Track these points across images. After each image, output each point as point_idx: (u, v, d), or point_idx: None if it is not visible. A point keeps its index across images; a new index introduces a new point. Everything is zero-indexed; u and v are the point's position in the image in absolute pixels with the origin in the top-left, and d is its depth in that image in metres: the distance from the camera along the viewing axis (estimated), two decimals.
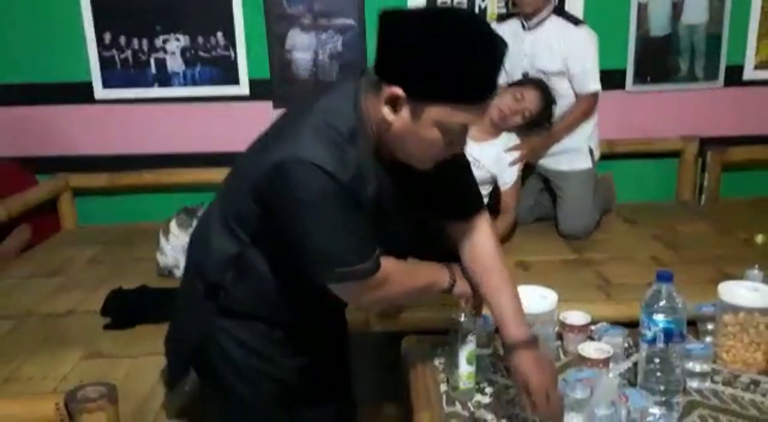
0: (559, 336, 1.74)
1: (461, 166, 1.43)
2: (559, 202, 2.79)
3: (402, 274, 1.33)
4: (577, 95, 2.66)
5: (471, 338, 1.51)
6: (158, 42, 3.03)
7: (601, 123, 3.07)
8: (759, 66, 3.11)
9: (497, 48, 1.11)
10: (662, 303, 1.37)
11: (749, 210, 3.03)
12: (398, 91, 1.11)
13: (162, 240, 2.45)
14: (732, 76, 3.12)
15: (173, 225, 2.41)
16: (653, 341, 1.37)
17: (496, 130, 2.61)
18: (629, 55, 3.06)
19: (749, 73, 3.12)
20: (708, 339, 1.66)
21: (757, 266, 1.72)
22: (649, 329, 1.38)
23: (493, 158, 2.58)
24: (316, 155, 1.13)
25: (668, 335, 1.36)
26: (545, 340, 1.63)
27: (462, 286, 1.46)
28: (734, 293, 1.57)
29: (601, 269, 2.41)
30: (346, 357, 1.67)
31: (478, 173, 2.51)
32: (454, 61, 1.07)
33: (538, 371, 1.29)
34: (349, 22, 3.00)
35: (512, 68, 2.70)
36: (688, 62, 3.08)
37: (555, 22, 2.62)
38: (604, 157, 3.13)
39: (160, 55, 3.04)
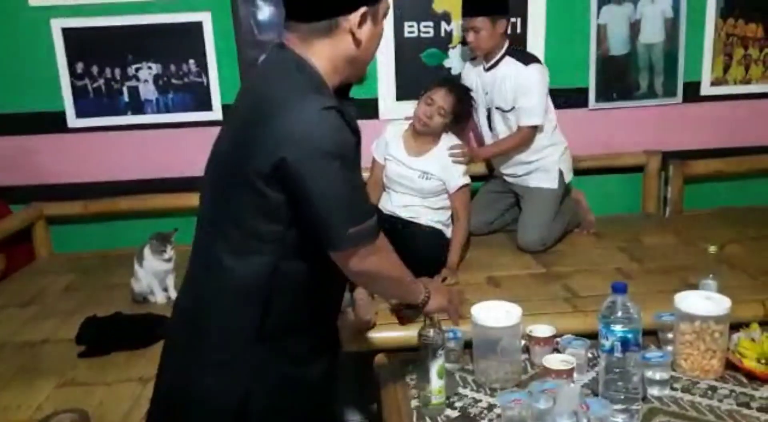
0: (526, 349, 1.80)
1: None
2: (521, 215, 2.91)
3: (391, 254, 1.38)
4: (518, 127, 2.81)
5: (441, 353, 1.56)
6: (131, 70, 3.07)
7: (567, 138, 3.17)
8: (714, 82, 3.23)
9: None
10: (618, 313, 1.43)
11: (712, 220, 3.12)
12: (363, 8, 1.26)
13: (136, 266, 2.47)
14: (690, 92, 3.22)
15: (146, 251, 2.44)
16: (611, 351, 1.43)
17: (429, 137, 2.67)
18: (590, 74, 3.16)
19: (706, 89, 3.23)
20: (668, 347, 1.73)
21: (711, 275, 1.79)
22: (607, 339, 1.43)
23: (438, 166, 2.65)
24: (321, 101, 1.20)
25: (625, 344, 1.41)
26: (512, 353, 1.69)
27: (434, 305, 1.51)
28: (689, 302, 1.64)
29: (567, 282, 2.47)
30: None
31: (430, 185, 2.65)
32: None
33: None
34: None
35: (477, 104, 2.89)
36: (647, 79, 3.18)
37: (508, 63, 2.78)
38: None
39: (133, 82, 3.08)
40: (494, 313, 1.68)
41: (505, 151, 2.88)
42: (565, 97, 3.12)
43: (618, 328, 1.42)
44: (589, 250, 2.82)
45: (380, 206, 2.74)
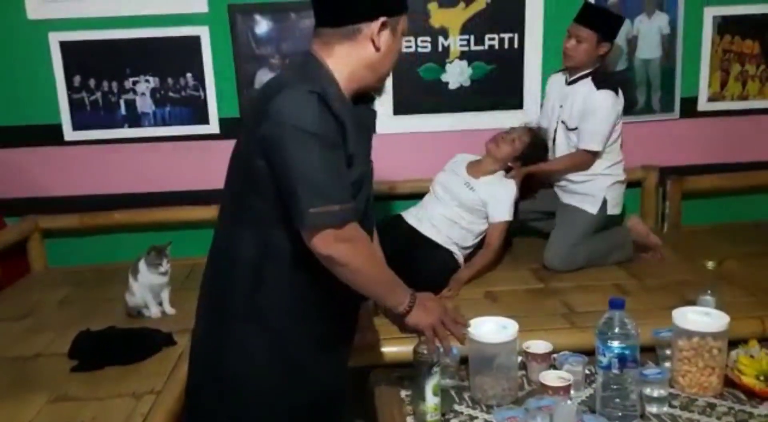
0: (523, 366, 1.78)
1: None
2: (553, 231, 2.85)
3: (371, 252, 1.40)
4: (576, 148, 2.81)
5: (436, 369, 1.54)
6: (128, 83, 3.06)
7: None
8: (712, 98, 3.23)
9: None
10: (616, 330, 1.42)
11: (710, 236, 3.12)
12: (383, 17, 1.36)
13: (131, 280, 2.45)
14: (687, 107, 3.23)
15: (142, 264, 2.42)
16: (608, 367, 1.42)
17: (491, 162, 2.77)
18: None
19: (703, 105, 3.24)
20: (666, 364, 1.71)
21: (709, 291, 1.78)
22: (604, 356, 1.42)
23: (487, 190, 2.70)
24: (305, 86, 1.30)
25: (622, 361, 1.40)
26: (509, 369, 1.67)
27: (415, 319, 1.47)
28: (687, 318, 1.63)
29: (565, 298, 2.46)
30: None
31: (469, 198, 2.68)
32: None
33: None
34: None
35: (547, 114, 2.95)
36: (645, 95, 3.19)
37: (585, 83, 2.78)
38: None
39: (130, 96, 3.08)
40: (490, 329, 1.67)
41: (556, 172, 2.87)
42: None
43: (615, 344, 1.41)
44: (588, 266, 2.80)
45: (408, 213, 2.78)
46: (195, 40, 3.03)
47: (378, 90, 1.49)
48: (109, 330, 2.24)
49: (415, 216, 2.75)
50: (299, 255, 1.35)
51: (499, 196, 2.68)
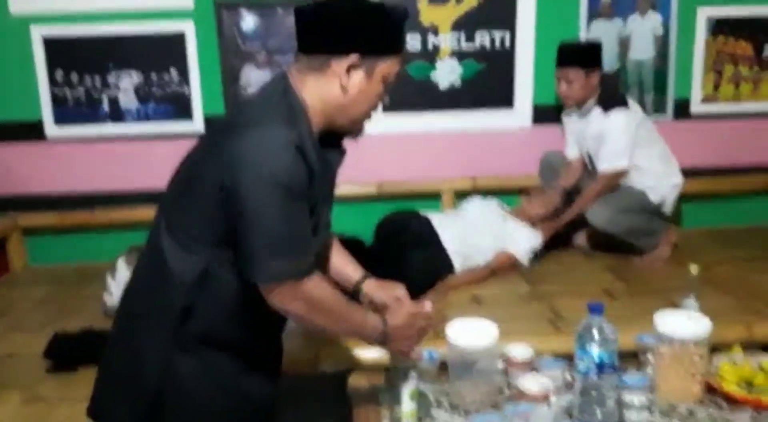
0: (505, 370, 1.74)
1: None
2: (605, 196, 2.81)
3: (330, 305, 1.31)
4: (599, 173, 2.82)
5: (413, 374, 1.50)
6: (111, 79, 3.02)
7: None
8: (705, 99, 3.19)
9: (402, 7, 1.33)
10: (594, 334, 1.37)
11: (702, 240, 3.07)
12: (354, 57, 1.25)
13: (109, 279, 2.40)
14: (680, 109, 3.19)
15: (120, 263, 2.37)
16: (586, 373, 1.37)
17: (525, 216, 2.87)
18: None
19: (696, 107, 3.20)
20: (649, 369, 1.67)
21: (692, 295, 1.73)
22: (582, 361, 1.38)
23: (515, 227, 2.80)
24: (283, 133, 1.20)
25: (600, 366, 1.36)
26: (489, 374, 1.63)
27: (395, 349, 1.43)
28: (669, 324, 1.58)
29: (552, 302, 2.41)
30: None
31: (500, 226, 2.75)
32: (387, 18, 1.27)
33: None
34: None
35: (572, 147, 3.01)
36: (637, 96, 3.14)
37: (596, 112, 2.81)
38: None
39: (113, 91, 3.03)
40: (470, 333, 1.62)
41: (585, 207, 2.81)
42: (555, 112, 3.09)
43: (593, 350, 1.37)
44: (577, 270, 2.76)
45: (435, 216, 2.79)
46: (179, 36, 2.98)
47: (353, 132, 1.37)
48: (85, 331, 2.19)
49: (440, 222, 2.75)
50: (240, 293, 1.29)
51: (523, 238, 2.77)
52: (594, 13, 3.04)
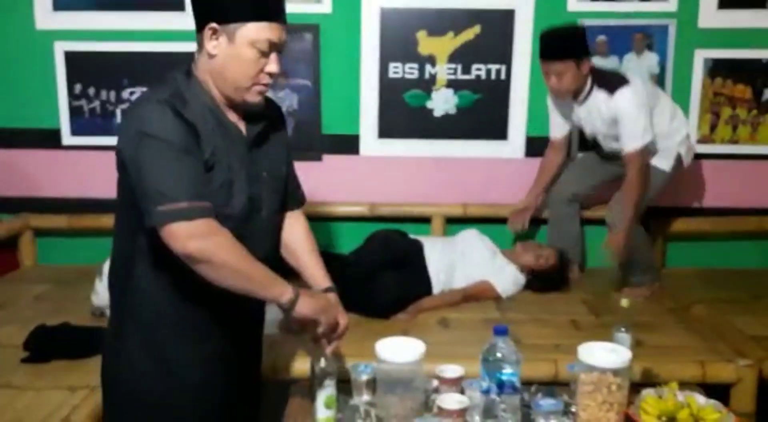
0: (436, 388, 1.79)
1: (291, 162, 1.72)
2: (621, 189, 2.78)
3: (234, 246, 1.39)
4: (624, 157, 2.71)
5: (329, 382, 1.57)
6: (125, 94, 3.21)
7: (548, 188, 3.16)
8: (701, 140, 3.19)
9: None
10: (498, 355, 1.43)
11: (689, 280, 3.05)
12: (213, 24, 1.41)
13: (96, 281, 2.55)
14: None
15: (105, 266, 2.50)
16: (487, 392, 1.42)
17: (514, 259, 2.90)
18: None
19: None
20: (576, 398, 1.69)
21: (623, 328, 1.76)
22: (485, 381, 1.42)
23: (501, 264, 2.87)
24: (155, 96, 1.40)
25: (500, 386, 1.41)
26: (413, 390, 1.68)
27: (303, 308, 1.48)
28: (590, 353, 1.61)
29: (516, 329, 2.41)
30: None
31: (487, 260, 2.82)
32: None
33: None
34: (305, 82, 3.16)
35: (562, 124, 2.97)
36: None
37: (596, 95, 2.71)
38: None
39: (126, 105, 3.22)
40: (398, 350, 1.68)
41: (636, 207, 2.69)
42: (547, 145, 3.14)
43: (496, 370, 1.41)
44: (551, 301, 2.78)
45: (425, 239, 2.87)
46: (191, 56, 3.14)
47: (244, 103, 1.49)
48: (62, 325, 2.33)
49: (431, 247, 2.81)
50: (163, 255, 1.40)
51: (508, 275, 2.83)
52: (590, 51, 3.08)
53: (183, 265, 1.38)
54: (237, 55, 1.42)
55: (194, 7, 1.47)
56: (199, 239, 1.34)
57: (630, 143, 2.67)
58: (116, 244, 1.55)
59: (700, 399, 1.67)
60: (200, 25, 1.45)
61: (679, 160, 2.84)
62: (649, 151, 2.72)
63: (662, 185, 2.84)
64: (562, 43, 2.65)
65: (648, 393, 1.68)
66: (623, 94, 2.64)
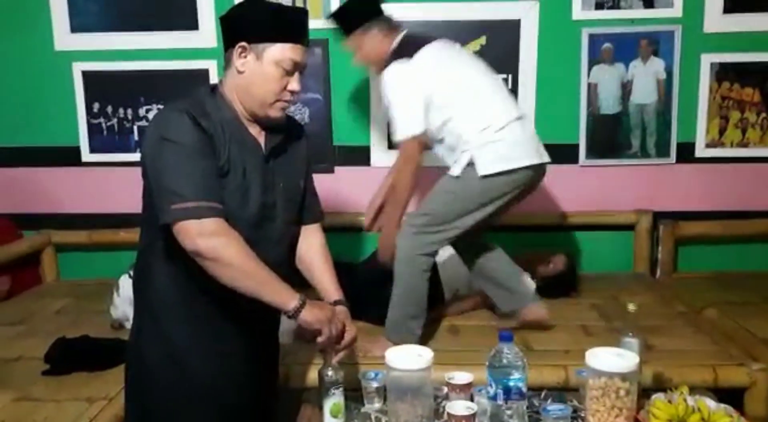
0: (447, 395, 1.82)
1: (310, 178, 1.80)
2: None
3: (242, 247, 1.46)
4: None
5: (336, 391, 1.60)
6: (142, 111, 3.29)
7: (555, 195, 3.19)
8: (710, 144, 3.20)
9: (294, 8, 1.60)
10: (504, 361, 1.45)
11: (700, 284, 3.06)
12: (243, 43, 1.50)
13: (114, 294, 2.61)
14: (684, 152, 3.20)
15: (123, 279, 2.58)
16: (494, 398, 1.45)
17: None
18: (581, 131, 3.19)
19: (701, 151, 3.20)
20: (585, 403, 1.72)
21: (630, 333, 1.77)
22: (491, 387, 1.45)
23: None
24: (177, 106, 1.50)
25: (507, 392, 1.43)
26: (423, 397, 1.71)
27: (309, 316, 1.51)
28: (598, 358, 1.64)
29: (526, 336, 2.45)
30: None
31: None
32: (267, 11, 1.53)
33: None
34: (316, 96, 3.23)
35: None
36: (639, 139, 3.18)
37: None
38: (558, 228, 3.23)
39: (143, 123, 3.29)
40: (407, 357, 1.72)
41: (400, 207, 2.37)
42: (556, 152, 3.16)
43: (503, 376, 1.44)
44: (561, 306, 2.79)
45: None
46: (204, 73, 3.23)
47: (267, 118, 1.56)
48: (82, 338, 2.40)
49: (442, 254, 2.73)
50: (179, 254, 1.47)
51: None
52: (594, 59, 3.12)
53: (197, 264, 1.45)
54: (263, 73, 1.51)
55: (225, 27, 1.56)
56: (208, 237, 1.42)
57: (395, 132, 2.33)
58: (140, 245, 1.64)
59: (710, 403, 1.68)
60: (229, 43, 1.53)
61: (471, 166, 2.24)
62: (416, 147, 2.30)
63: (447, 197, 2.31)
64: (342, 19, 2.44)
65: (657, 397, 1.69)
66: (388, 71, 2.30)
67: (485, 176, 2.24)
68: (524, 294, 2.50)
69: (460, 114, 2.30)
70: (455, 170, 2.31)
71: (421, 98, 2.28)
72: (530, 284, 2.67)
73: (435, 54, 2.35)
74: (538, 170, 2.36)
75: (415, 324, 2.31)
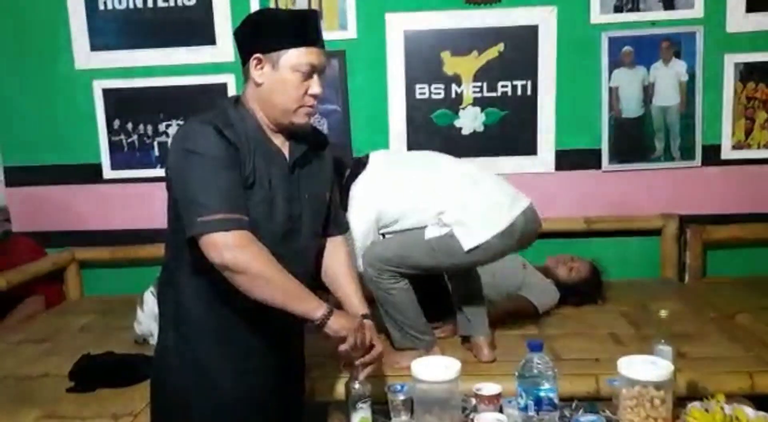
0: (475, 407, 1.79)
1: (335, 189, 1.79)
2: None
3: (269, 259, 1.45)
4: None
5: (362, 405, 1.58)
6: (161, 127, 3.31)
7: (579, 200, 3.14)
8: (736, 146, 3.14)
9: (302, 11, 1.60)
10: (534, 371, 1.42)
11: (732, 289, 2.99)
12: (258, 54, 1.50)
13: (138, 310, 2.61)
14: (709, 155, 3.14)
15: (147, 295, 2.58)
16: (525, 409, 1.42)
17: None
18: (603, 136, 3.15)
19: (727, 153, 3.14)
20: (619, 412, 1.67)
21: (663, 341, 1.73)
22: (522, 398, 1.42)
23: (534, 277, 2.83)
24: (201, 118, 1.50)
25: (538, 403, 1.40)
26: (451, 408, 1.68)
27: (336, 325, 1.50)
28: (631, 367, 1.60)
29: (555, 344, 2.41)
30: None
31: (518, 273, 2.78)
32: (275, 21, 1.54)
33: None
34: (334, 107, 3.22)
35: None
36: (663, 142, 3.13)
37: None
38: (583, 234, 3.18)
39: (163, 138, 3.32)
40: (434, 369, 1.69)
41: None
42: (577, 158, 3.13)
43: (532, 387, 1.41)
44: (588, 314, 2.75)
45: None
46: (222, 87, 3.24)
47: (292, 125, 1.56)
48: (107, 354, 2.39)
49: None
50: (204, 267, 1.46)
51: (542, 290, 2.78)
52: (615, 62, 3.09)
53: (223, 278, 1.44)
54: (282, 81, 1.50)
55: (239, 43, 1.57)
56: (235, 249, 1.40)
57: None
58: (165, 259, 1.63)
59: (749, 411, 1.63)
60: (245, 58, 1.53)
61: (451, 236, 2.14)
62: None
63: (413, 242, 2.19)
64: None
65: (693, 406, 1.65)
66: None
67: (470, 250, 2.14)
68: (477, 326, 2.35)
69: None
70: (433, 232, 2.17)
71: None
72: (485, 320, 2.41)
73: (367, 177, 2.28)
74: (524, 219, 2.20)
75: (417, 332, 2.27)
